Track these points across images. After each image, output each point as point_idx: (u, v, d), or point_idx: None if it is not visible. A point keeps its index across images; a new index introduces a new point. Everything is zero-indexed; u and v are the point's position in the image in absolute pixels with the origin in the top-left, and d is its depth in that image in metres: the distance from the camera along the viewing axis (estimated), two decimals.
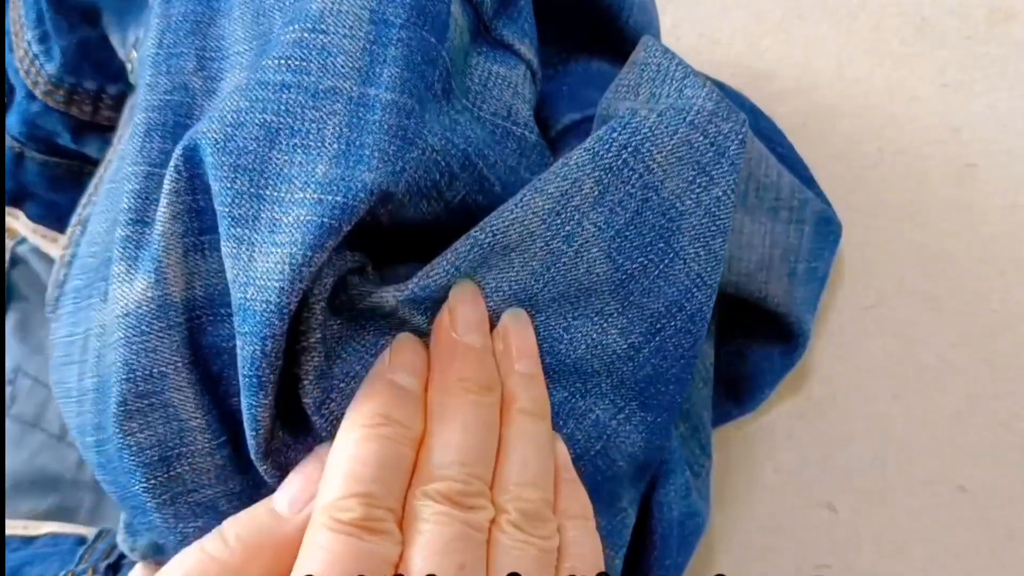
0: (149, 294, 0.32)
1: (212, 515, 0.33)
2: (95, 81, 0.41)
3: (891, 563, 0.52)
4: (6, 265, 0.53)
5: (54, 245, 0.46)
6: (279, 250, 0.30)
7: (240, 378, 0.30)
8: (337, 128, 0.31)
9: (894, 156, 0.53)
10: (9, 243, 0.53)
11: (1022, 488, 0.51)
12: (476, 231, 0.33)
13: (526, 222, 0.33)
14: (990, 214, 0.52)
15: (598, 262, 0.34)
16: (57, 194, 0.45)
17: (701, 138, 0.34)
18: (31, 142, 0.43)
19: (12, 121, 0.43)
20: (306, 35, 0.32)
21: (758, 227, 0.44)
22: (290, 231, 0.30)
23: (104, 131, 0.42)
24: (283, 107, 0.31)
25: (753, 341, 0.49)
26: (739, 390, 0.51)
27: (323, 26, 0.32)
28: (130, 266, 0.32)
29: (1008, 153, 0.52)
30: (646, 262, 0.34)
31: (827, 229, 0.49)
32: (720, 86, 0.52)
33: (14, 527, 0.46)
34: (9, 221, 0.47)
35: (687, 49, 0.55)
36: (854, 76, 0.54)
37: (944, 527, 0.51)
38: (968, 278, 0.52)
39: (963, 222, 0.52)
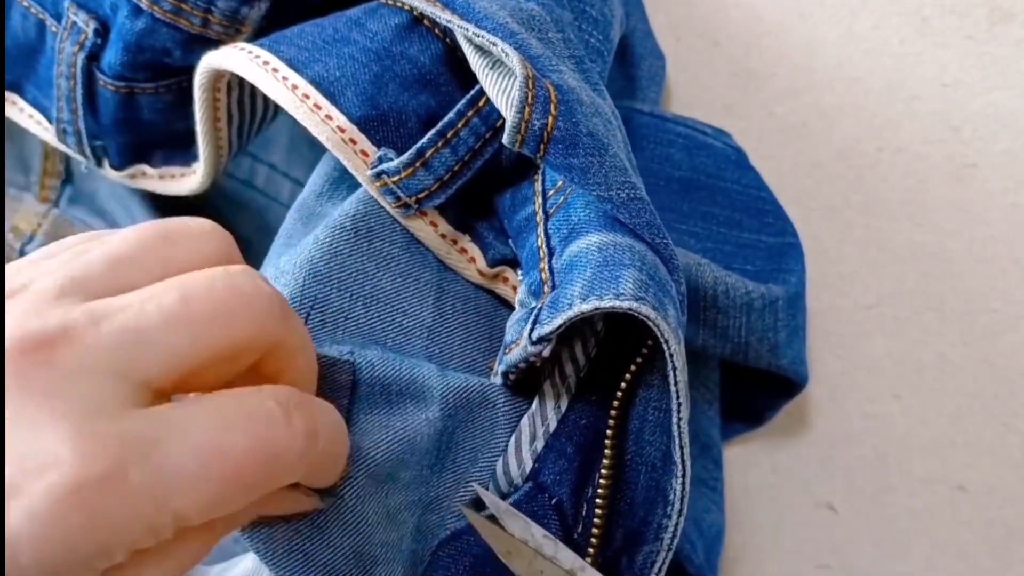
0: None
1: None
2: None
3: (891, 563, 0.52)
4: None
5: (185, 181, 0.44)
6: None
7: None
8: None
9: (894, 155, 0.53)
10: (17, 243, 0.54)
11: (1022, 488, 0.50)
12: None
13: None
14: (990, 213, 0.52)
15: None
16: (178, 122, 0.43)
17: None
18: (138, 71, 0.41)
19: (112, 56, 0.41)
20: None
21: (732, 321, 0.44)
22: None
23: (214, 46, 0.39)
24: None
25: (754, 380, 0.50)
26: (746, 411, 0.52)
27: None
28: None
29: (1008, 153, 0.51)
30: None
31: (794, 264, 0.50)
32: (704, 131, 0.53)
33: None
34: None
35: (686, 50, 0.56)
36: (854, 76, 0.54)
37: (944, 527, 0.51)
38: (968, 278, 0.52)
39: (963, 221, 0.52)
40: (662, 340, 0.29)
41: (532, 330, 0.30)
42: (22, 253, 0.53)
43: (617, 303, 0.29)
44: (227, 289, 0.25)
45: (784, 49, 0.55)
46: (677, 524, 0.32)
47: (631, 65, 0.54)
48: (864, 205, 0.53)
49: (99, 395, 0.23)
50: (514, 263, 0.37)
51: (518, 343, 0.31)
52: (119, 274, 0.25)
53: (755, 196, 0.53)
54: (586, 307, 0.29)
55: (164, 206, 0.51)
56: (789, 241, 0.52)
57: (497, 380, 0.34)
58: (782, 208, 0.52)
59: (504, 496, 0.34)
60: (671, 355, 0.29)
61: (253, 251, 0.53)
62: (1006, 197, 0.51)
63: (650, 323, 0.29)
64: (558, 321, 0.29)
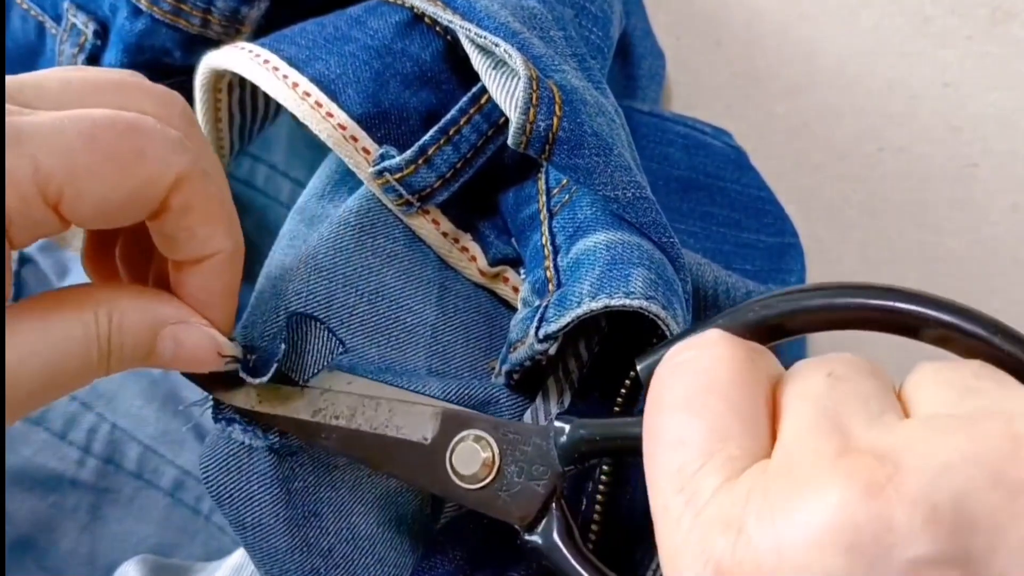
0: None
1: None
2: None
3: None
4: (14, 264, 0.53)
5: None
6: None
7: None
8: None
9: (895, 155, 0.53)
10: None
11: None
12: None
13: None
14: (991, 213, 0.52)
15: None
16: None
17: None
18: (139, 71, 0.41)
19: (112, 57, 0.41)
20: None
21: None
22: None
23: (215, 45, 0.39)
24: None
25: None
26: None
27: None
28: None
29: (1009, 153, 0.51)
30: None
31: (794, 264, 0.50)
32: (704, 130, 0.53)
33: None
34: None
35: (687, 49, 0.55)
36: (855, 75, 0.54)
37: None
38: (969, 277, 0.52)
39: (964, 221, 0.52)
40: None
41: (539, 328, 0.30)
42: (21, 252, 0.53)
43: (628, 301, 0.28)
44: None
45: (785, 49, 0.55)
46: None
47: (631, 64, 0.54)
48: (865, 205, 0.53)
49: None
50: (515, 263, 0.36)
51: (523, 341, 0.31)
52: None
53: (755, 196, 0.53)
54: (596, 305, 0.29)
55: None
56: (789, 241, 0.52)
57: (500, 380, 0.34)
58: (782, 208, 0.52)
59: None
60: None
61: (254, 250, 0.53)
62: (1007, 197, 0.51)
63: (660, 322, 0.29)
64: (566, 319, 0.29)
